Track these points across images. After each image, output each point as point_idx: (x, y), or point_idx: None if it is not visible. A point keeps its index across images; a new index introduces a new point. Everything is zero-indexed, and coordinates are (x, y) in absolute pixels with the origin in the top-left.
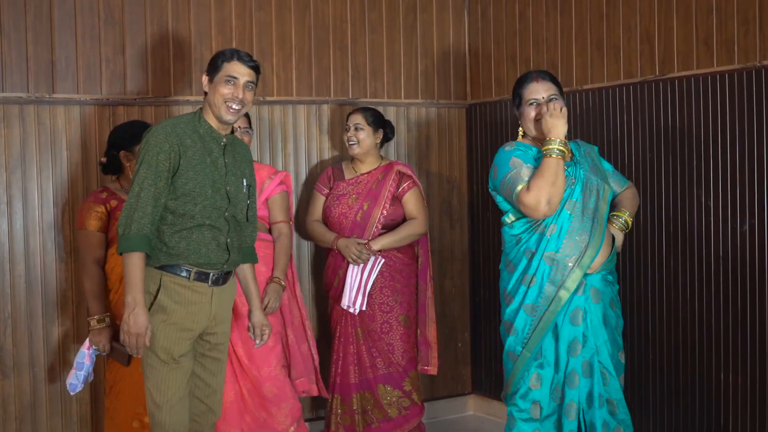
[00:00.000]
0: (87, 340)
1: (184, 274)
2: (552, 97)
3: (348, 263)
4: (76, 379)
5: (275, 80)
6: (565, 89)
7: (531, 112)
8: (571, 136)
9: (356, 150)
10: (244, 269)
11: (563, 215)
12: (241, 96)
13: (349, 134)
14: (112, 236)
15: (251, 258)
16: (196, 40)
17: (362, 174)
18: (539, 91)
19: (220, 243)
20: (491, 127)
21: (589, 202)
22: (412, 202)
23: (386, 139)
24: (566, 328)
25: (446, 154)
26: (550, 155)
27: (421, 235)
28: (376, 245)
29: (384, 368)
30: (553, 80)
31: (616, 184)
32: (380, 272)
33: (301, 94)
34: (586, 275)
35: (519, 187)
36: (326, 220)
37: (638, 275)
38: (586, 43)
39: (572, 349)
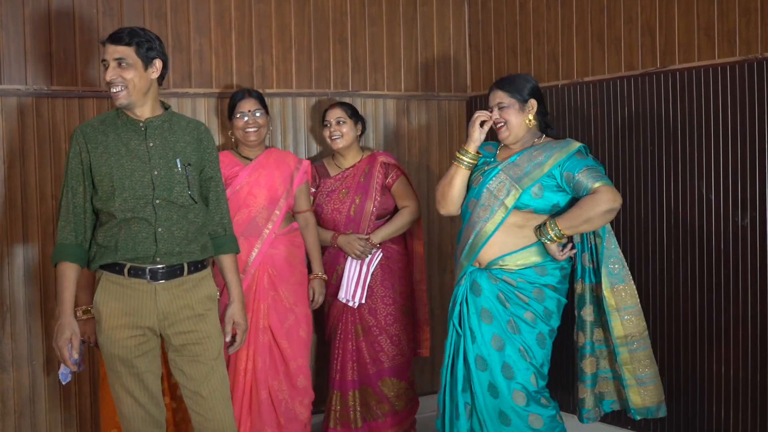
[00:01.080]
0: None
1: (120, 271)
2: (500, 105)
3: (346, 258)
4: (65, 368)
5: (275, 72)
6: (565, 81)
7: (493, 116)
8: (564, 132)
9: (341, 143)
10: (221, 260)
11: (465, 212)
12: (113, 77)
13: (331, 129)
14: None
15: (227, 248)
16: (195, 32)
17: (347, 168)
18: (492, 99)
19: (148, 235)
20: None
21: (485, 202)
22: (401, 190)
23: (363, 130)
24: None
25: (446, 147)
26: (453, 161)
27: (415, 221)
28: (377, 238)
29: (388, 361)
30: (505, 87)
31: (578, 187)
32: (378, 264)
33: (301, 86)
34: (474, 269)
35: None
36: (317, 218)
37: (638, 268)
38: (587, 35)
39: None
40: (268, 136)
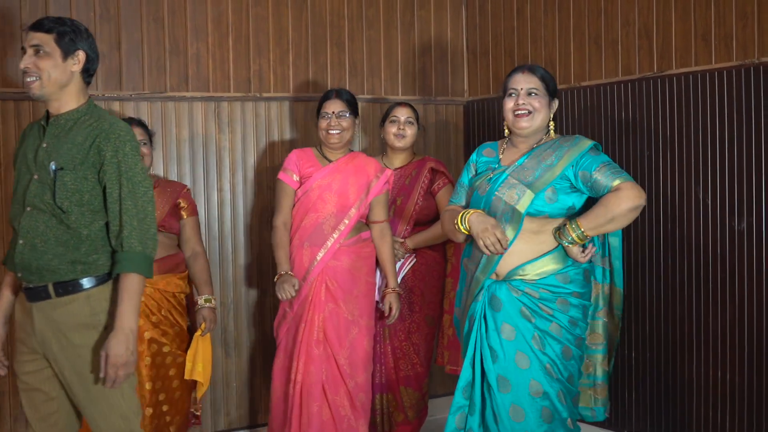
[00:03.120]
0: None
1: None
2: (532, 90)
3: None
4: None
5: (272, 76)
6: (563, 86)
7: (509, 103)
8: (563, 131)
9: (401, 144)
10: (120, 279)
11: None
12: (27, 65)
13: (400, 127)
14: None
15: (120, 266)
16: (192, 36)
17: (396, 169)
18: (520, 81)
19: (16, 247)
20: (489, 124)
21: (496, 210)
22: (446, 198)
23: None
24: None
25: (444, 151)
26: (454, 226)
27: None
28: (412, 243)
29: (406, 369)
30: (543, 77)
31: (596, 186)
32: (411, 270)
33: (299, 90)
34: (492, 282)
35: (449, 204)
36: None
37: (635, 272)
38: (584, 40)
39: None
40: (357, 139)
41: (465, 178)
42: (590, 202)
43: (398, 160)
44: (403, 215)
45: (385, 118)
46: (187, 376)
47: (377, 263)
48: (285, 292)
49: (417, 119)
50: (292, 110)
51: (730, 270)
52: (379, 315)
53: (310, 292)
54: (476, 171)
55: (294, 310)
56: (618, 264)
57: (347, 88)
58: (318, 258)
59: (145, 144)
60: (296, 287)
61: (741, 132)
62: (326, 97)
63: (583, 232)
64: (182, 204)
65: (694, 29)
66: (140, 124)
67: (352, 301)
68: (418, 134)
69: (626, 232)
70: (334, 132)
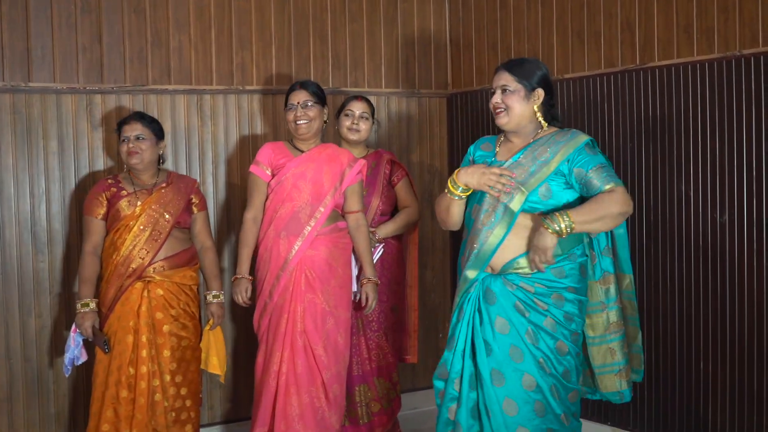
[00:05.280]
0: (74, 323)
1: None
2: (504, 87)
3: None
4: (67, 361)
5: (254, 69)
6: None
7: (491, 102)
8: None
9: (356, 137)
10: None
11: (468, 218)
12: None
13: (354, 121)
14: (109, 225)
15: None
16: (174, 28)
17: None
18: (495, 80)
19: None
20: (472, 116)
21: (489, 207)
22: (405, 190)
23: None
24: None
25: (427, 144)
26: (446, 192)
27: (413, 225)
28: (382, 232)
29: (378, 360)
30: (517, 70)
31: (589, 186)
32: (379, 260)
33: (281, 83)
34: (487, 275)
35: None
36: None
37: None
38: (567, 32)
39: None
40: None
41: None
42: (583, 202)
43: (353, 153)
44: (369, 208)
45: (340, 110)
46: (202, 367)
47: (354, 254)
48: (238, 296)
49: (372, 114)
50: (275, 103)
51: (712, 262)
52: (356, 306)
53: (290, 282)
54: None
55: (274, 301)
56: (624, 253)
57: (330, 81)
58: (296, 247)
59: (142, 139)
60: (248, 292)
61: (723, 124)
62: (291, 89)
63: (572, 222)
64: (194, 200)
65: (676, 22)
66: (141, 118)
67: (329, 292)
68: (377, 128)
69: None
70: (302, 122)
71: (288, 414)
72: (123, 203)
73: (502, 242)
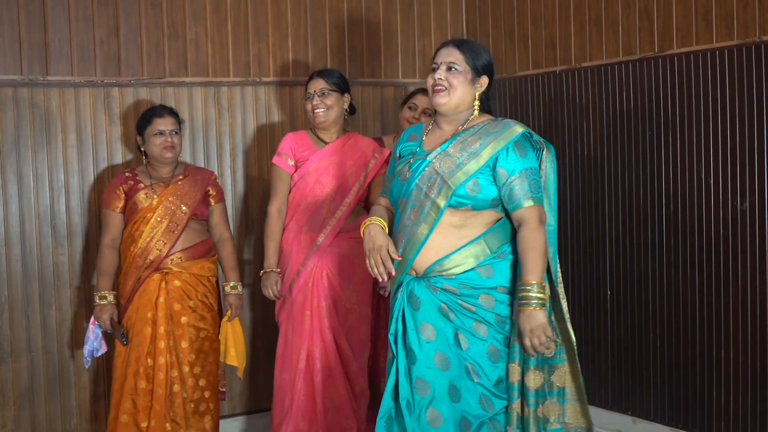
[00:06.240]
0: (92, 315)
1: None
2: (451, 65)
3: None
4: (86, 353)
5: (271, 60)
6: (563, 67)
7: (429, 79)
8: (562, 118)
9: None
10: None
11: (397, 214)
12: None
13: (416, 115)
14: (127, 218)
15: None
16: (191, 21)
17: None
18: (441, 55)
19: None
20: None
21: (416, 202)
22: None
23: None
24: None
25: None
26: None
27: None
28: None
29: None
30: (468, 51)
31: (510, 195)
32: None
33: (298, 74)
34: (411, 278)
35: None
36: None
37: (638, 253)
38: (584, 20)
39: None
40: (346, 118)
41: (390, 167)
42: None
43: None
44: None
45: (405, 101)
46: (221, 359)
47: None
48: (268, 290)
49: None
50: (292, 94)
51: (732, 250)
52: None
53: (309, 278)
54: (400, 156)
55: (293, 295)
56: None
57: (347, 72)
58: (318, 243)
59: (176, 133)
60: (278, 285)
61: (743, 111)
62: (309, 78)
63: (537, 284)
64: (211, 192)
65: (694, 9)
66: (171, 112)
67: (351, 288)
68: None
69: (628, 213)
70: (320, 111)
71: (314, 408)
72: (140, 195)
73: (427, 240)
